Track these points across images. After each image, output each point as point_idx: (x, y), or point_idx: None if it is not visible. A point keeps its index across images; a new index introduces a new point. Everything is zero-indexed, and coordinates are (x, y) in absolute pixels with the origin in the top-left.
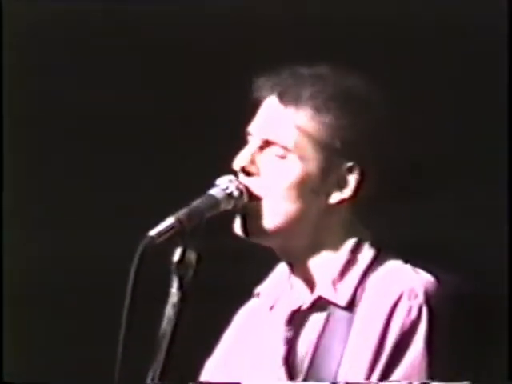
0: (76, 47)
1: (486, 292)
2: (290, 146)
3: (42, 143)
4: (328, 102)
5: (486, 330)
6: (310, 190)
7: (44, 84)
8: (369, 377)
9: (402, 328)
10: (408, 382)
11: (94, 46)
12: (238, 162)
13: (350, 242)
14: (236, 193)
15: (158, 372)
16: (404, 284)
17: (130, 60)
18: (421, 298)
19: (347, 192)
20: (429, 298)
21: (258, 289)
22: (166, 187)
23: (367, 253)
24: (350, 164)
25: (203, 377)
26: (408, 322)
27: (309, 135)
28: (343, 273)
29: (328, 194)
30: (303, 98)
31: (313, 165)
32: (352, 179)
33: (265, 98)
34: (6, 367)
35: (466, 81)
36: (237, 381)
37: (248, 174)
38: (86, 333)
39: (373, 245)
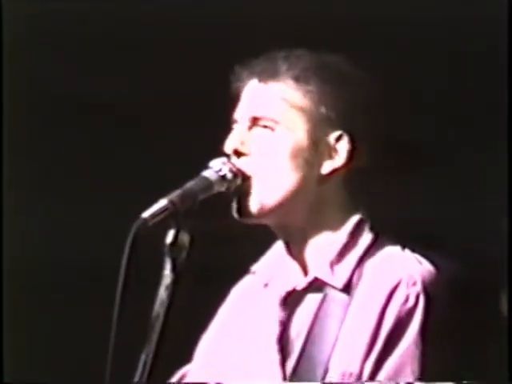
0: (76, 47)
1: (484, 280)
2: (277, 117)
3: (42, 143)
4: (306, 71)
5: (484, 321)
6: (302, 160)
7: (44, 83)
8: (363, 363)
9: (398, 315)
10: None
11: (93, 44)
12: (229, 145)
13: (350, 224)
14: (229, 175)
15: (151, 354)
16: (402, 271)
17: (128, 56)
18: (419, 286)
19: (339, 161)
20: (427, 287)
21: (254, 266)
22: (159, 171)
23: (366, 236)
24: (338, 132)
25: (197, 353)
26: (404, 310)
27: (293, 104)
28: (341, 255)
29: (320, 165)
30: (281, 71)
31: (302, 135)
32: (342, 148)
33: (244, 85)
34: (5, 367)
35: (466, 80)
36: (231, 357)
37: (240, 154)
38: (86, 330)
39: (371, 228)
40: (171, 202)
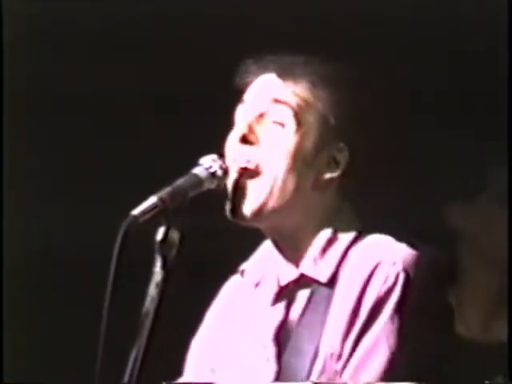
0: (76, 46)
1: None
2: (291, 110)
3: (41, 143)
4: (323, 78)
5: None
6: (304, 162)
7: (44, 82)
8: (343, 343)
9: (377, 294)
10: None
11: (93, 44)
12: (239, 130)
13: (335, 224)
14: (219, 172)
15: (141, 351)
16: (383, 252)
17: (128, 55)
18: (399, 266)
19: (337, 171)
20: (406, 267)
21: (243, 266)
22: (150, 168)
23: (350, 232)
24: (341, 145)
25: (190, 357)
26: (384, 289)
27: (306, 104)
28: (324, 250)
29: (319, 171)
30: (299, 74)
31: (308, 137)
32: (342, 159)
33: (252, 81)
34: (5, 367)
35: (466, 80)
36: (225, 359)
37: (248, 142)
38: (85, 329)
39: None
40: (161, 199)
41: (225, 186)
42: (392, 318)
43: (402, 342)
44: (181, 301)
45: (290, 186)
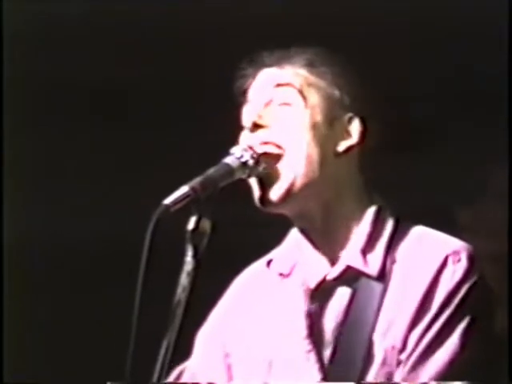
0: (76, 45)
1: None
2: (295, 93)
3: (42, 139)
4: (318, 56)
5: None
6: (321, 135)
7: (44, 82)
8: (406, 337)
9: (447, 289)
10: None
11: (93, 42)
12: (248, 119)
13: (370, 213)
14: (251, 161)
15: (172, 340)
16: (445, 248)
17: (128, 52)
18: (464, 261)
19: (352, 140)
20: (471, 261)
21: (270, 255)
22: (180, 156)
23: (389, 223)
24: (349, 115)
25: (200, 340)
26: (453, 284)
27: (309, 82)
28: (370, 243)
29: (335, 143)
30: (294, 57)
31: (318, 112)
32: (354, 129)
33: (250, 82)
34: (5, 367)
35: (466, 80)
36: (242, 346)
37: (259, 127)
38: (87, 330)
39: (391, 214)
40: (193, 188)
41: (256, 174)
42: (460, 310)
43: (469, 335)
44: (211, 290)
45: (315, 158)
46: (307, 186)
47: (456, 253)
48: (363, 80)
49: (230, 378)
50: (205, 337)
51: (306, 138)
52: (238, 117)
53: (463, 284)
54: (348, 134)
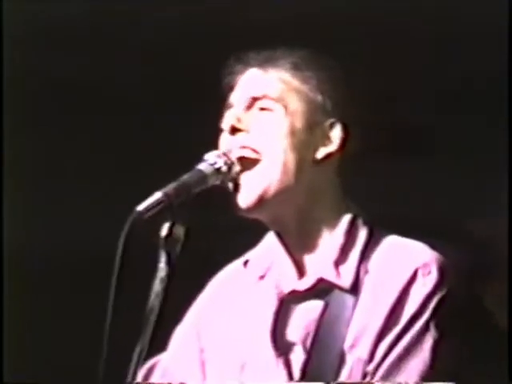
0: (76, 45)
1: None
2: (276, 98)
3: (42, 139)
4: (304, 59)
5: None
6: (299, 142)
7: (43, 82)
8: (374, 349)
9: (417, 301)
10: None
11: (93, 41)
12: (226, 122)
13: (345, 222)
14: (224, 168)
15: (145, 346)
16: (416, 258)
17: (130, 54)
18: (435, 272)
19: (332, 147)
20: (442, 272)
21: (247, 256)
22: (153, 163)
23: (362, 232)
24: (332, 120)
25: (177, 335)
26: (423, 295)
27: (292, 87)
28: (343, 254)
29: (315, 149)
30: (279, 59)
31: (299, 117)
32: (335, 135)
33: (238, 79)
34: (6, 367)
35: (466, 80)
36: (216, 342)
37: (237, 131)
38: (87, 330)
39: (365, 223)
40: (166, 194)
41: (229, 180)
42: (429, 323)
43: (438, 345)
44: (185, 296)
45: (291, 165)
46: (281, 192)
47: (426, 265)
48: (348, 84)
49: (204, 374)
50: (181, 331)
51: (283, 144)
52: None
53: (433, 296)
54: (329, 140)
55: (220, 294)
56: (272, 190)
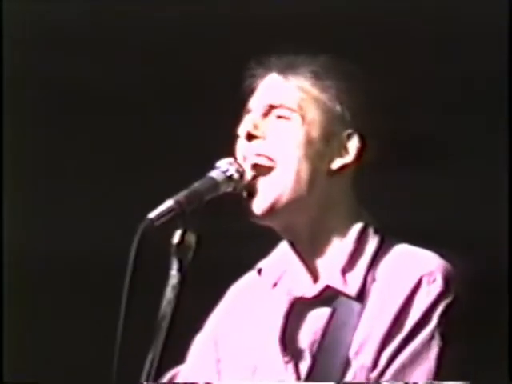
0: (76, 45)
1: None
2: (294, 106)
3: (42, 140)
4: (324, 68)
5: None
6: (315, 152)
7: (44, 82)
8: (378, 356)
9: (421, 309)
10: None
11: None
12: (243, 128)
13: (354, 232)
14: (236, 175)
15: (157, 354)
16: (422, 267)
17: (130, 54)
18: (440, 281)
19: (348, 158)
20: (447, 281)
21: (261, 264)
22: (165, 170)
23: (372, 241)
24: (349, 131)
25: (195, 346)
26: (427, 304)
27: (311, 96)
28: (351, 262)
29: (330, 160)
30: (300, 66)
31: (316, 127)
32: (352, 146)
33: (260, 80)
34: (6, 367)
35: (466, 81)
36: (233, 351)
37: (253, 137)
38: (87, 331)
39: (376, 231)
40: (177, 202)
41: (241, 188)
42: (434, 331)
43: (443, 353)
44: (197, 303)
45: (304, 175)
46: (294, 201)
47: (431, 273)
48: (367, 94)
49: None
50: (199, 341)
51: (298, 153)
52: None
53: (438, 305)
54: (345, 151)
55: (236, 304)
56: (284, 199)
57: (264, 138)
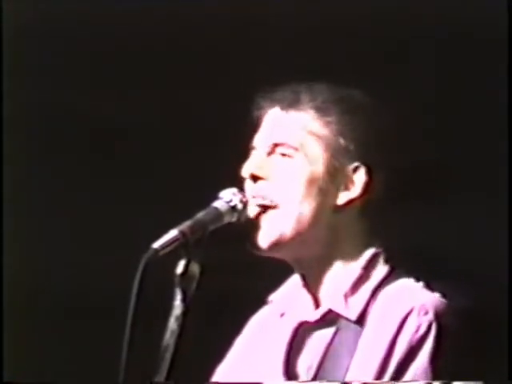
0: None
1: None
2: (297, 144)
3: (42, 149)
4: (327, 102)
5: (488, 344)
6: (319, 190)
7: (43, 84)
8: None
9: (409, 343)
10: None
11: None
12: (247, 169)
13: (364, 258)
14: (240, 205)
15: None
16: (414, 300)
17: (131, 62)
18: (430, 315)
19: (354, 192)
20: (439, 316)
21: (272, 296)
22: (168, 200)
23: (381, 269)
24: (355, 164)
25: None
26: (416, 338)
27: (313, 133)
28: (355, 287)
29: (336, 195)
30: (302, 101)
31: (320, 164)
32: (358, 179)
33: (264, 113)
34: (6, 367)
35: (467, 81)
36: None
37: (257, 178)
38: (87, 335)
39: (387, 261)
40: (181, 232)
41: (245, 218)
42: (424, 366)
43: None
44: (201, 334)
45: (308, 214)
46: (299, 236)
47: (423, 306)
48: (371, 123)
49: None
50: (220, 374)
51: (300, 193)
52: (241, 148)
53: (427, 336)
54: (352, 184)
55: (250, 335)
56: (288, 235)
57: (268, 179)
